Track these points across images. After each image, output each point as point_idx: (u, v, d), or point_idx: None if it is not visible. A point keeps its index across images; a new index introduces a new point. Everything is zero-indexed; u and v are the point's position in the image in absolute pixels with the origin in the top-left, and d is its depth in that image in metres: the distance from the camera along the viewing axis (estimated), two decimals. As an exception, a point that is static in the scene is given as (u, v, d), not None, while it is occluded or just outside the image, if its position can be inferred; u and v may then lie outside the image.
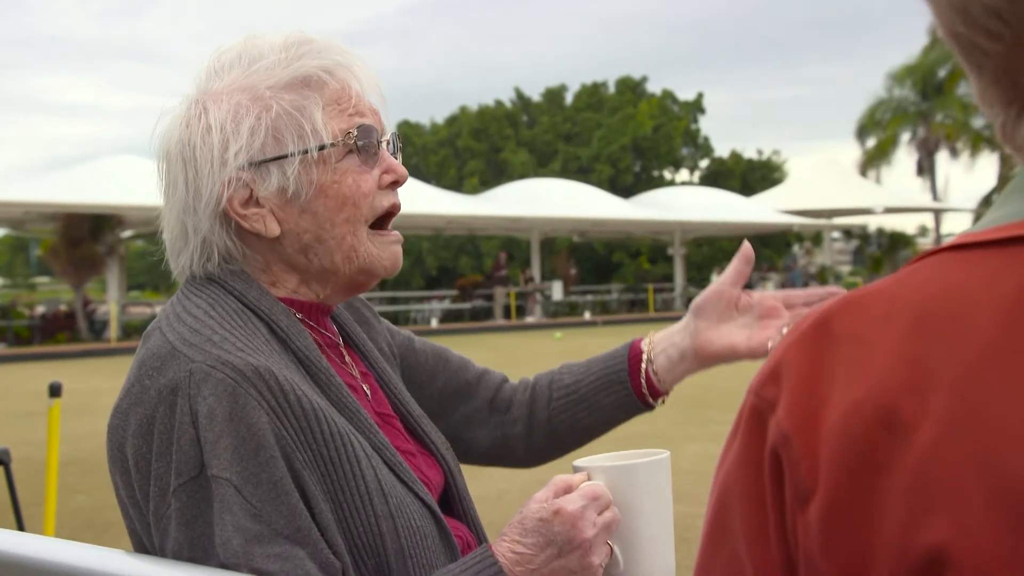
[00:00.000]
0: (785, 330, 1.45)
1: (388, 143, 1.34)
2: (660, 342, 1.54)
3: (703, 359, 1.51)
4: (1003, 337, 0.59)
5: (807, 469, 0.63)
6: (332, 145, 1.28)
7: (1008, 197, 0.69)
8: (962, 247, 0.66)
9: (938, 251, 0.68)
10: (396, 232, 1.36)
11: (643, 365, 1.53)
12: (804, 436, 0.64)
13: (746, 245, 1.50)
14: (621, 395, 1.53)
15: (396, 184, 1.34)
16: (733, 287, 1.50)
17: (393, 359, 1.54)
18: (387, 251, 1.34)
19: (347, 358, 1.40)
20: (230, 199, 1.27)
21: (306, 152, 1.27)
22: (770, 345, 1.46)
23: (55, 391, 4.83)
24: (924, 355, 0.61)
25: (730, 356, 1.49)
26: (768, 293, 1.51)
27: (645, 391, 1.53)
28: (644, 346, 1.55)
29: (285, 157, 1.27)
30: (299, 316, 1.32)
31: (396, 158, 1.36)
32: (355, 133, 1.29)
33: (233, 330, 1.20)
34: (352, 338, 1.45)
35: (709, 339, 1.50)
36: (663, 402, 1.57)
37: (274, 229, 1.28)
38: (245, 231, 1.29)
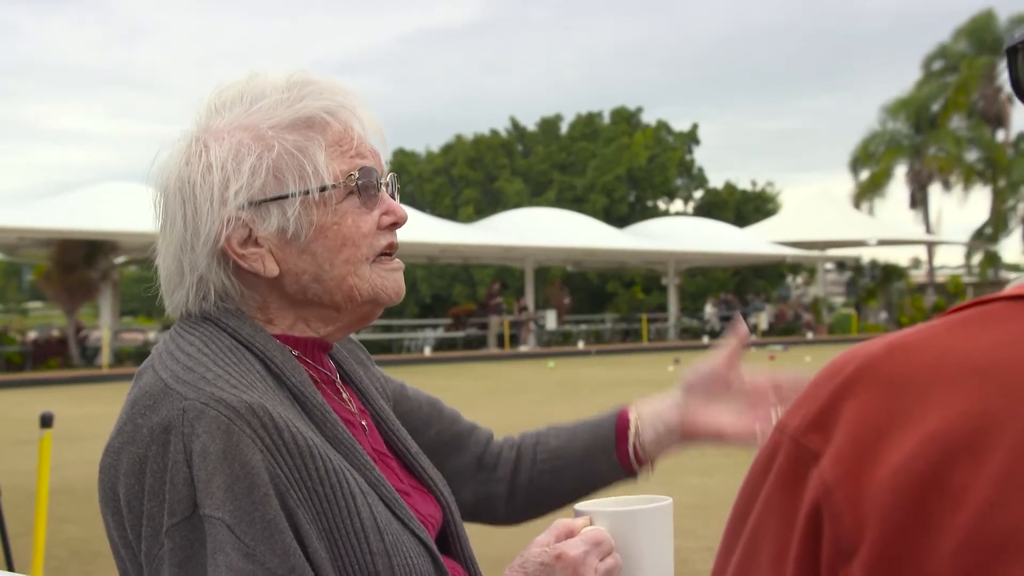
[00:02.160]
0: (776, 413, 1.44)
1: (387, 185, 1.34)
2: (648, 415, 1.52)
3: (689, 437, 1.49)
4: None
5: (851, 523, 0.61)
6: (333, 187, 1.27)
7: None
8: (1019, 298, 0.64)
9: (994, 299, 0.65)
10: (398, 260, 1.35)
11: (630, 437, 1.51)
12: (849, 489, 0.61)
13: (741, 325, 1.48)
14: (606, 464, 1.52)
15: (395, 226, 1.34)
16: (727, 368, 1.48)
17: (388, 400, 1.53)
18: (390, 279, 1.33)
19: (344, 395, 1.38)
20: (228, 238, 1.25)
21: (307, 193, 1.26)
22: (760, 431, 1.43)
23: (46, 422, 4.77)
24: (982, 411, 0.59)
25: (716, 439, 1.47)
26: (759, 377, 1.49)
27: (632, 462, 1.51)
28: (631, 416, 1.52)
29: (286, 197, 1.26)
30: (295, 353, 1.31)
31: (395, 199, 1.35)
32: (356, 175, 1.28)
33: (227, 367, 1.19)
34: (349, 375, 1.43)
35: (697, 419, 1.48)
36: (649, 473, 1.54)
37: (272, 269, 1.27)
38: (243, 270, 1.28)
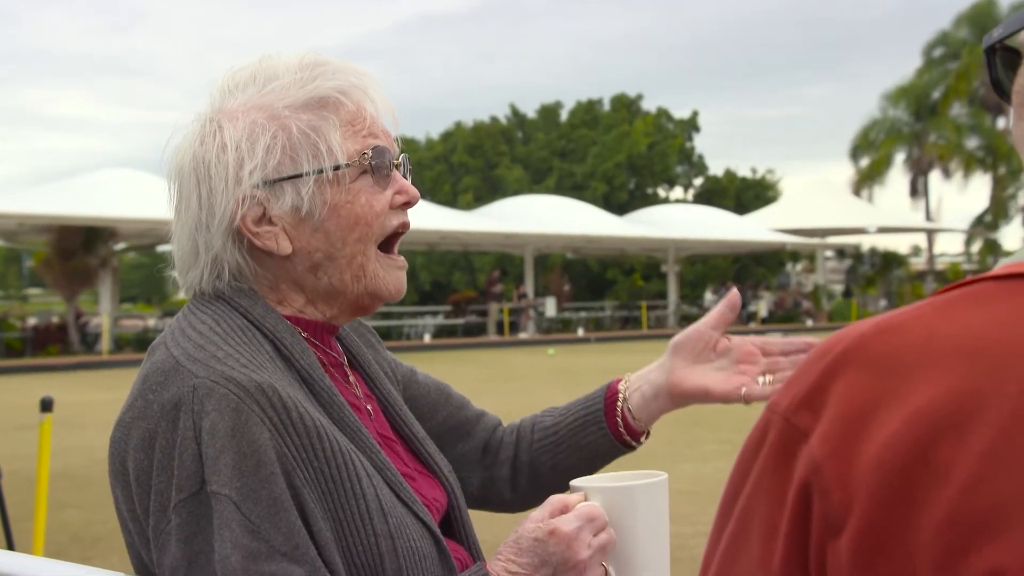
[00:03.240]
0: (763, 380, 1.46)
1: (400, 165, 1.35)
2: (636, 380, 1.53)
3: (676, 398, 1.50)
4: None
5: (839, 499, 0.62)
6: (347, 166, 1.28)
7: None
8: (1007, 278, 0.65)
9: (980, 280, 0.67)
10: (402, 258, 1.37)
11: (619, 406, 1.52)
12: (837, 465, 0.62)
13: (733, 292, 1.50)
14: (598, 436, 1.52)
15: (408, 205, 1.35)
16: (713, 330, 1.49)
17: (397, 384, 1.54)
18: (392, 275, 1.34)
19: (351, 378, 1.40)
20: (243, 217, 1.27)
21: (321, 172, 1.27)
22: (744, 391, 1.45)
23: (46, 406, 4.78)
24: (967, 390, 0.60)
25: (702, 398, 1.48)
26: (747, 339, 1.50)
27: (622, 430, 1.52)
28: (621, 386, 1.54)
29: (300, 176, 1.27)
30: (304, 335, 1.32)
31: (407, 179, 1.37)
32: (369, 154, 1.29)
33: (238, 346, 1.21)
34: (357, 359, 1.45)
35: (683, 378, 1.48)
36: (642, 442, 1.55)
37: (286, 247, 1.29)
38: (257, 249, 1.29)
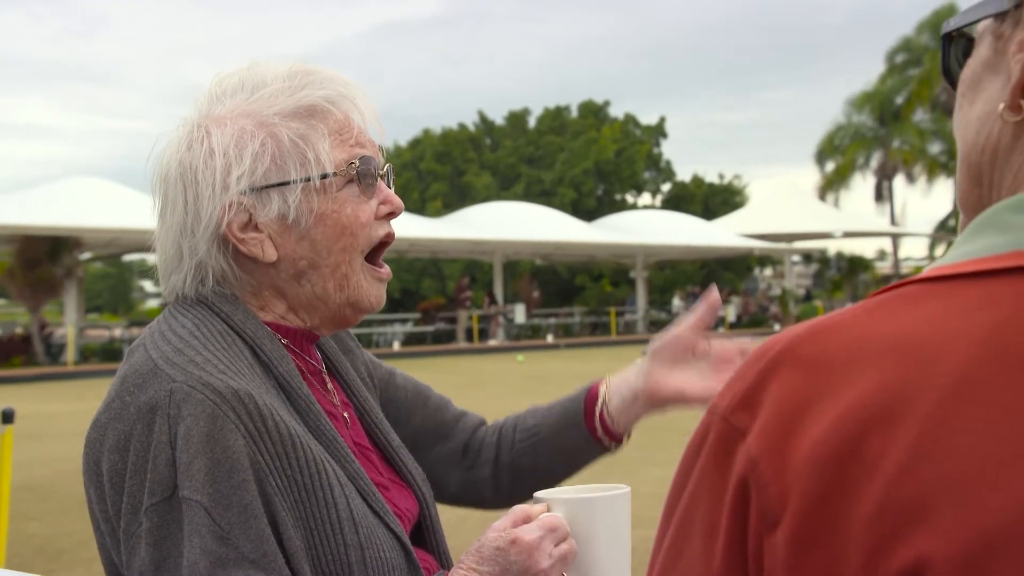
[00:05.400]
0: None
1: (384, 175, 1.36)
2: (615, 383, 1.53)
3: (654, 401, 1.49)
4: (975, 371, 0.61)
5: (775, 494, 0.64)
6: (334, 175, 1.29)
7: (978, 232, 0.70)
8: (935, 280, 0.67)
9: (909, 282, 0.69)
10: (387, 269, 1.38)
11: (597, 408, 1.51)
12: (773, 461, 0.64)
13: (714, 293, 1.48)
14: (578, 438, 1.52)
15: (392, 215, 1.36)
16: (693, 333, 1.49)
17: (374, 390, 1.54)
18: (374, 287, 1.35)
19: (329, 386, 1.40)
20: (229, 223, 1.27)
21: (308, 180, 1.28)
22: None
23: (7, 418, 4.73)
24: (896, 385, 0.62)
25: (679, 401, 1.47)
26: (726, 341, 1.50)
27: (600, 434, 1.51)
28: (601, 389, 1.53)
29: (287, 184, 1.28)
30: (284, 342, 1.33)
31: (390, 189, 1.37)
32: (357, 164, 1.30)
33: (216, 352, 1.21)
34: (335, 367, 1.45)
35: (661, 382, 1.48)
36: (620, 444, 1.54)
37: (271, 254, 1.29)
38: (242, 255, 1.29)
